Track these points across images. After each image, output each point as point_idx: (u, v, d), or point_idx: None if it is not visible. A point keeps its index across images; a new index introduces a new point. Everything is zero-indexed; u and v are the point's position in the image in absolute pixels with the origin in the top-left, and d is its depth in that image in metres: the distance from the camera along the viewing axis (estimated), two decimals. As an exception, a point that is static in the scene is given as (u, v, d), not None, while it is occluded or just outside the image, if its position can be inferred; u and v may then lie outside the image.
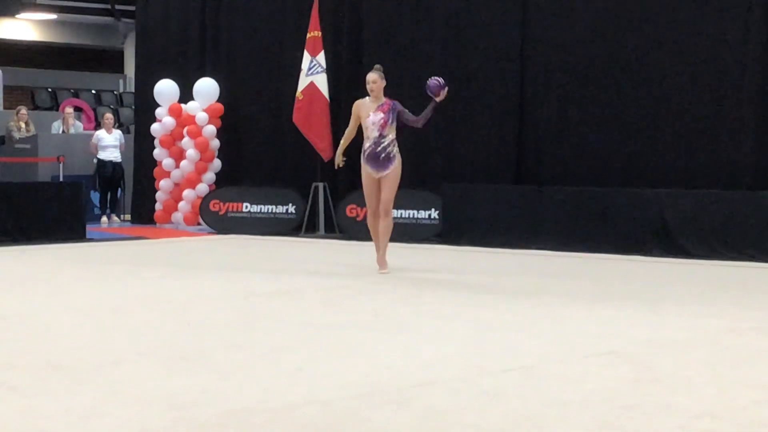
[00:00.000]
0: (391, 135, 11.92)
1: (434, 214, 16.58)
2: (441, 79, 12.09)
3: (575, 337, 8.16)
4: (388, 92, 14.69)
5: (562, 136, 16.20)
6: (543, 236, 15.16)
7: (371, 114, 11.91)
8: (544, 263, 13.67)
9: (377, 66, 12.25)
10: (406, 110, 12.02)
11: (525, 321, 8.95)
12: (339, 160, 12.56)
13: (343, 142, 12.45)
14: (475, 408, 5.79)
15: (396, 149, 11.98)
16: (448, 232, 16.17)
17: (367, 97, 12.09)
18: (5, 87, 27.56)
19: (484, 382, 6.47)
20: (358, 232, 16.78)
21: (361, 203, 17.12)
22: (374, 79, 11.96)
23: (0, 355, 7.20)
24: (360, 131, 12.17)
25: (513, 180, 16.52)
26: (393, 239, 15.88)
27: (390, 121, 11.87)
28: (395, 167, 11.98)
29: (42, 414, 5.55)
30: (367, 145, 11.96)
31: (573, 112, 16.10)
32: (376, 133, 11.87)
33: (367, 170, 12.03)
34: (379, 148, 11.84)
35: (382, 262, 12.28)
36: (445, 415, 5.61)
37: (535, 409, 5.77)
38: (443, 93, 11.96)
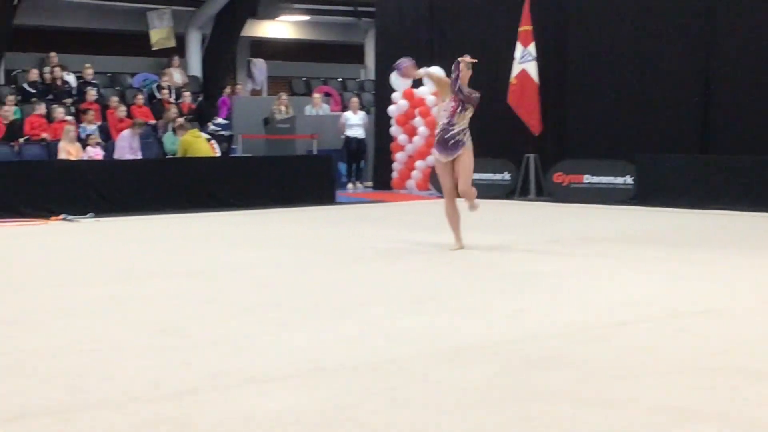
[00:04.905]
0: (463, 123, 10.08)
1: (629, 179, 16.38)
2: (403, 64, 10.59)
3: (759, 284, 7.96)
4: (588, 74, 14.52)
5: (744, 109, 15.72)
6: (724, 198, 14.77)
7: (447, 99, 10.18)
8: (726, 222, 13.32)
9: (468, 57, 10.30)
10: (477, 97, 10.14)
11: (711, 270, 8.75)
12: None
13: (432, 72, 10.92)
14: (670, 344, 5.73)
15: (466, 137, 10.13)
16: (641, 196, 15.94)
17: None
18: (268, 77, 28.26)
19: (675, 322, 6.39)
20: (565, 195, 16.74)
21: (567, 170, 17.08)
22: (461, 68, 10.13)
23: (273, 297, 7.46)
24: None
25: (699, 149, 16.16)
26: (592, 201, 15.88)
27: (459, 110, 10.04)
28: (464, 152, 10.14)
29: (307, 345, 5.72)
30: (437, 130, 10.29)
31: (754, 89, 15.59)
32: (446, 120, 10.11)
33: (436, 155, 10.42)
34: (448, 135, 10.07)
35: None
36: (642, 351, 5.57)
37: (722, 346, 5.67)
38: (410, 71, 10.56)
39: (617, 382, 4.88)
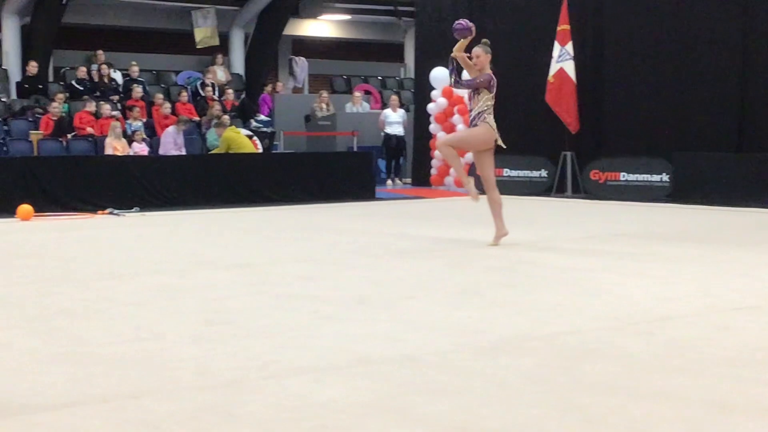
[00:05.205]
0: (479, 107, 9.95)
1: (665, 177, 16.30)
2: (464, 23, 10.04)
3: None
4: (625, 73, 14.25)
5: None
6: (761, 196, 14.66)
7: None
8: (762, 220, 13.20)
9: (484, 41, 10.10)
10: (483, 80, 9.89)
11: (748, 268, 8.65)
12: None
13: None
14: (711, 339, 5.69)
15: (483, 120, 10.00)
16: (678, 193, 15.85)
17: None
18: (310, 75, 28.33)
19: (717, 317, 6.34)
20: (601, 193, 16.68)
21: (604, 168, 17.00)
22: (477, 53, 9.98)
23: (316, 290, 7.48)
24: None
25: (735, 147, 16.05)
26: (628, 199, 15.82)
27: (473, 95, 9.97)
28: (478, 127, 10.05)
29: (351, 337, 5.74)
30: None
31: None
32: (468, 107, 10.22)
33: None
34: (470, 120, 10.16)
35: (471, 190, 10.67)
36: (683, 345, 5.53)
37: (763, 341, 5.62)
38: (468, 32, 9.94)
39: (658, 375, 4.86)
